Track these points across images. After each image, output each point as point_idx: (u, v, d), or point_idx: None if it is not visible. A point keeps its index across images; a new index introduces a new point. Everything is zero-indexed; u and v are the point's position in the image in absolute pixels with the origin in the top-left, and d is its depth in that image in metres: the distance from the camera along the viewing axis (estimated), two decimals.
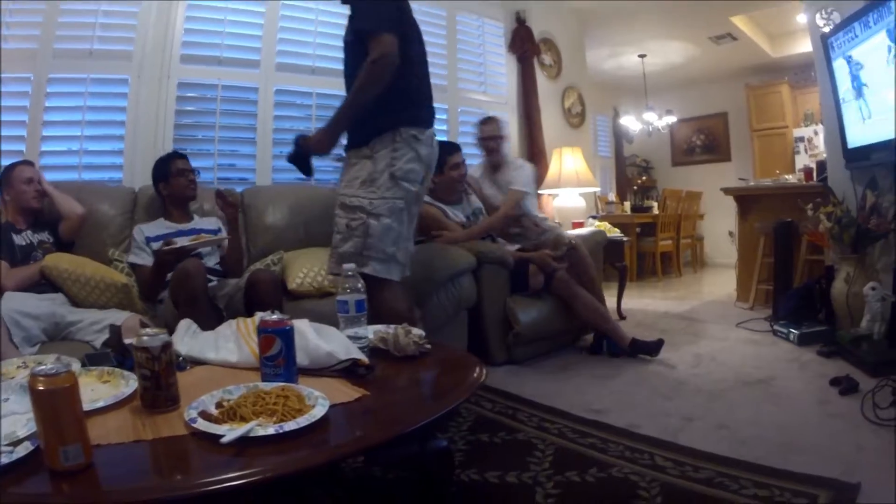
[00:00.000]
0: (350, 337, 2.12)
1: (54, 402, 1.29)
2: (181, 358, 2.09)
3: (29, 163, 3.60)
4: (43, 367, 1.31)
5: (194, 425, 1.47)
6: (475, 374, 2.00)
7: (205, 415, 1.54)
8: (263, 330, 1.82)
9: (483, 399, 3.43)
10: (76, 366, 1.97)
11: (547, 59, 7.27)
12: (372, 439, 1.57)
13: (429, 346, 2.23)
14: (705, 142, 11.39)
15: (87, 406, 1.52)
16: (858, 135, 4.45)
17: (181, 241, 3.34)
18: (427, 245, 4.09)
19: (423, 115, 3.12)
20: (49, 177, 3.70)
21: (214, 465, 1.36)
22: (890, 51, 3.86)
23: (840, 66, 4.57)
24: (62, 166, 4.19)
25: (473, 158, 5.21)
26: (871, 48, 4.13)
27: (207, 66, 4.67)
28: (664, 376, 3.88)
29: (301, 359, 1.91)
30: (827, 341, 4.28)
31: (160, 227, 3.70)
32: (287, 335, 1.83)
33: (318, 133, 3.04)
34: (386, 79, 2.86)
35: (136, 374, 1.68)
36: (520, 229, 4.85)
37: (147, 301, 3.42)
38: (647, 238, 8.78)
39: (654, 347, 4.25)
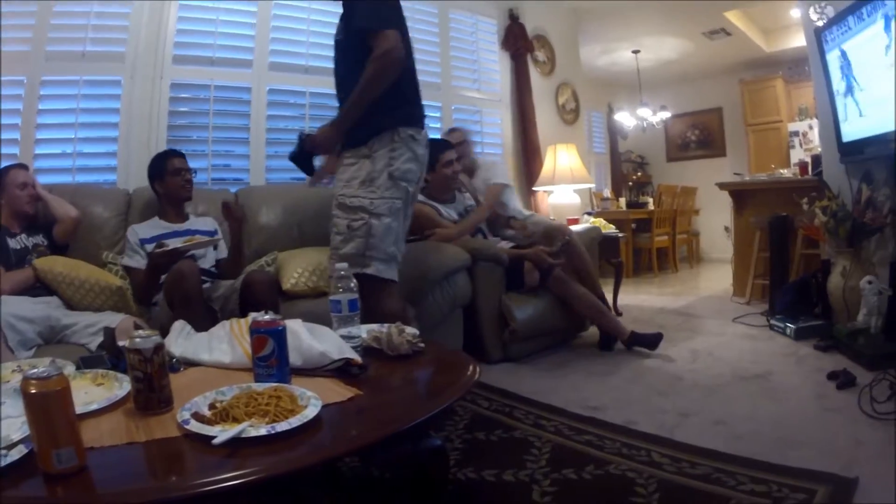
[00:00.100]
0: (343, 336, 2.12)
1: (46, 405, 1.29)
2: (175, 359, 2.09)
3: (23, 166, 3.59)
4: (35, 370, 1.31)
5: (187, 427, 1.47)
6: (469, 373, 1.99)
7: (197, 416, 1.53)
8: (255, 330, 1.82)
9: (479, 397, 3.43)
10: (70, 369, 1.97)
11: (540, 55, 7.26)
12: (364, 439, 1.57)
13: (422, 344, 2.23)
14: (700, 137, 11.39)
15: (80, 409, 1.52)
16: (853, 129, 4.45)
17: (173, 243, 3.33)
18: (421, 243, 4.08)
19: (417, 114, 3.11)
20: (43, 179, 3.70)
21: (207, 466, 1.36)
22: (887, 44, 3.84)
23: (833, 59, 4.57)
24: (56, 169, 4.18)
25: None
26: (864, 41, 4.12)
27: (200, 67, 4.66)
28: (661, 372, 3.88)
29: (294, 359, 1.91)
30: (824, 335, 4.28)
31: (154, 227, 3.67)
32: (279, 335, 1.82)
33: (324, 130, 3.00)
34: (392, 76, 2.87)
35: (129, 376, 1.67)
36: (512, 231, 4.85)
37: (141, 304, 3.40)
38: (643, 234, 8.79)
39: (652, 340, 4.26)
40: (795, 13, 7.10)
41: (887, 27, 3.82)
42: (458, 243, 4.18)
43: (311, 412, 1.54)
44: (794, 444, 2.62)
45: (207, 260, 3.69)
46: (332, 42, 3.15)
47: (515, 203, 5.09)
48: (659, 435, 2.79)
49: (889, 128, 3.88)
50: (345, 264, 2.30)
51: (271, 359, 1.80)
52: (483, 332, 4.25)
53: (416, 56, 3.14)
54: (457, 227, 4.40)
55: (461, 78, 6.43)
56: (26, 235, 3.45)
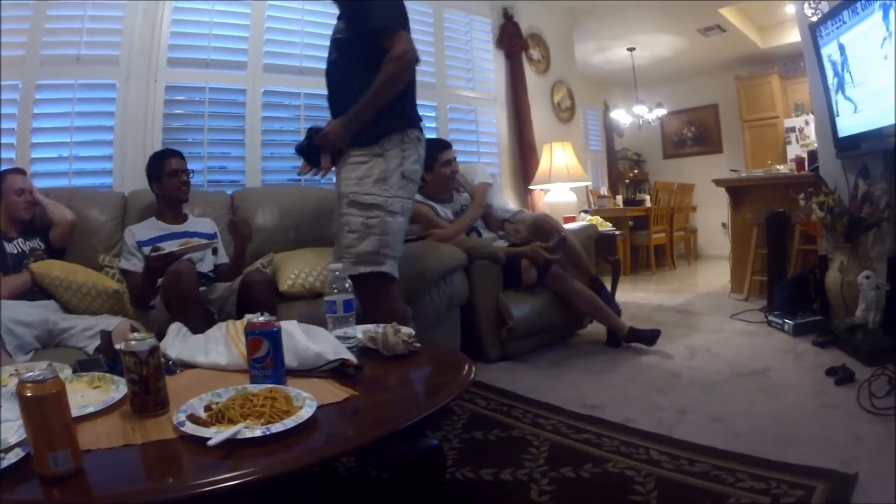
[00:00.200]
0: (339, 337, 2.11)
1: (42, 408, 1.29)
2: (171, 362, 2.09)
3: (21, 171, 3.58)
4: (31, 373, 1.31)
5: (182, 429, 1.48)
6: (465, 373, 1.99)
7: (193, 418, 1.54)
8: (251, 332, 1.82)
9: (477, 396, 3.44)
10: (67, 372, 1.97)
11: (535, 54, 7.26)
12: (360, 439, 1.56)
13: (418, 344, 2.23)
14: (696, 134, 11.39)
15: (76, 412, 1.52)
16: (849, 123, 4.45)
17: (170, 245, 3.32)
18: (418, 243, 4.07)
19: (418, 115, 3.13)
20: (39, 184, 3.68)
21: (203, 467, 1.36)
22: (885, 36, 3.82)
23: (828, 54, 4.57)
24: (52, 173, 4.17)
25: (464, 156, 5.20)
26: (860, 34, 4.12)
27: (195, 69, 4.65)
28: (659, 369, 3.88)
29: (290, 360, 1.91)
30: (822, 331, 4.28)
31: (152, 229, 3.65)
32: (274, 337, 1.82)
33: (335, 126, 2.95)
34: (408, 77, 2.93)
35: (125, 378, 1.67)
36: (503, 232, 4.85)
37: (138, 308, 3.40)
38: (640, 231, 8.79)
39: (650, 337, 4.27)
40: (790, 9, 7.10)
41: (885, 17, 3.80)
42: (455, 242, 4.18)
43: (306, 413, 1.54)
44: (793, 440, 2.62)
45: (206, 264, 3.67)
46: (326, 43, 3.16)
47: (499, 201, 5.09)
48: (657, 433, 2.79)
49: (885, 122, 3.88)
50: (339, 265, 2.29)
51: (267, 360, 1.80)
52: (481, 331, 4.25)
53: None
54: (453, 227, 4.40)
55: (456, 77, 6.42)
56: (23, 239, 3.44)
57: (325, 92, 3.20)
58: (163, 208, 3.76)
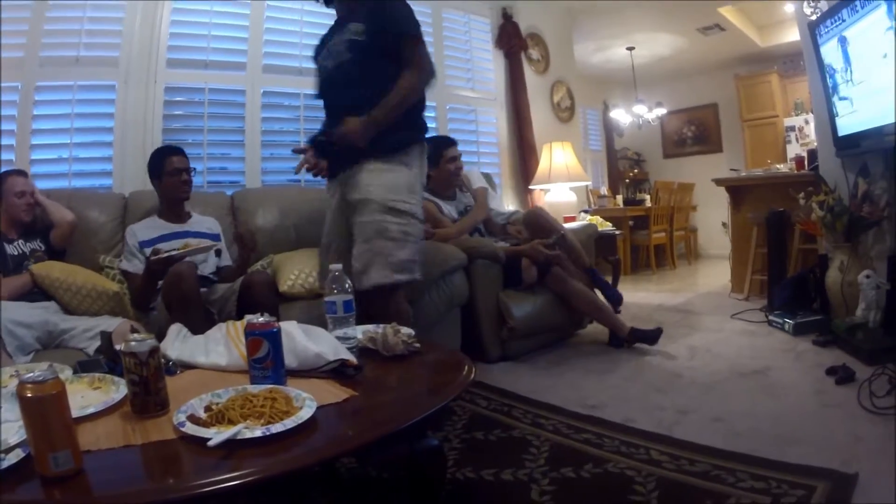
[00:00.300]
0: (339, 337, 2.11)
1: (42, 409, 1.29)
2: (171, 362, 2.09)
3: (21, 172, 3.57)
4: (31, 374, 1.32)
5: (183, 429, 1.48)
6: (465, 373, 2.00)
7: (193, 418, 1.54)
8: (250, 332, 1.82)
9: (478, 396, 3.44)
10: (67, 373, 1.97)
11: (534, 53, 7.26)
12: (360, 439, 1.57)
13: (418, 345, 2.23)
14: (696, 133, 11.39)
15: (77, 412, 1.53)
16: (848, 122, 4.45)
17: (172, 245, 3.32)
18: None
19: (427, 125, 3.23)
20: (39, 185, 3.67)
21: (204, 467, 1.36)
22: (888, 26, 3.80)
23: (827, 53, 4.57)
24: (52, 174, 4.17)
25: (464, 156, 5.19)
26: (859, 33, 4.11)
27: (194, 70, 4.66)
28: (659, 369, 3.88)
29: (290, 360, 1.91)
30: (822, 330, 4.28)
31: (153, 228, 3.62)
32: (274, 337, 1.82)
33: (357, 126, 2.90)
34: (430, 85, 3.01)
35: (126, 379, 1.67)
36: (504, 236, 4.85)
37: (139, 309, 3.39)
38: (641, 231, 8.79)
39: (653, 336, 4.26)
40: (789, 8, 7.10)
41: (889, 11, 3.76)
42: (455, 242, 4.18)
43: (306, 413, 1.54)
44: (793, 440, 2.62)
45: (208, 265, 3.65)
46: None
47: (495, 204, 5.11)
48: (658, 432, 2.79)
49: (884, 120, 3.88)
50: (339, 265, 2.29)
51: (266, 361, 1.80)
52: (481, 331, 4.24)
53: None
54: (455, 227, 4.41)
55: (455, 77, 6.43)
56: (23, 241, 3.44)
57: None
58: (164, 206, 3.74)
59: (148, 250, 3.37)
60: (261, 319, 1.84)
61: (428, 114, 5.61)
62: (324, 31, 3.32)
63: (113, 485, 1.35)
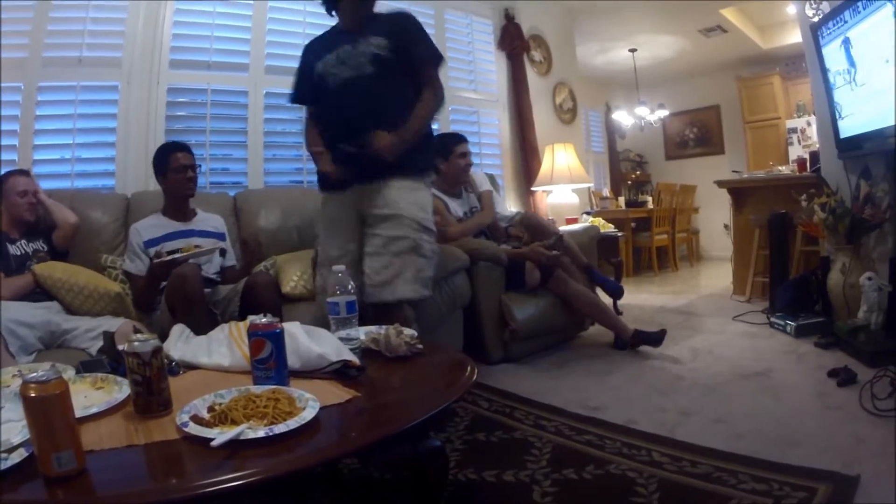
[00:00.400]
0: (341, 338, 2.12)
1: (46, 409, 1.29)
2: (174, 363, 2.09)
3: (24, 172, 3.58)
4: (34, 374, 1.32)
5: (186, 429, 1.48)
6: (467, 374, 2.00)
7: (196, 419, 1.54)
8: (253, 333, 1.82)
9: (480, 398, 3.44)
10: (70, 373, 1.97)
11: (537, 55, 7.25)
12: (362, 440, 1.57)
13: (420, 346, 2.23)
14: (698, 135, 11.39)
15: (80, 412, 1.53)
16: (850, 124, 4.44)
17: (175, 244, 3.33)
18: None
19: None
20: (42, 185, 3.67)
21: (206, 468, 1.37)
22: (890, 37, 3.80)
23: (830, 55, 4.56)
24: (54, 174, 4.16)
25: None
26: (860, 34, 4.11)
27: (197, 71, 4.66)
28: (661, 371, 3.88)
29: (292, 361, 1.91)
30: (824, 332, 4.28)
31: (157, 226, 3.58)
32: (277, 338, 1.83)
33: (391, 141, 2.96)
34: (442, 107, 3.19)
35: (128, 379, 1.68)
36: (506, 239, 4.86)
37: (141, 310, 3.37)
38: (643, 233, 8.78)
39: (657, 337, 4.26)
40: (791, 9, 7.08)
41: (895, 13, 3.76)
42: (458, 244, 4.18)
43: (308, 414, 1.55)
44: (795, 442, 2.62)
45: (212, 266, 3.63)
46: None
47: (499, 206, 5.12)
48: (659, 434, 2.79)
49: (886, 122, 3.87)
50: (342, 266, 2.29)
51: (269, 361, 1.81)
52: (483, 333, 4.25)
53: None
54: (459, 227, 4.41)
55: (457, 79, 6.42)
56: (26, 241, 3.44)
57: None
58: (169, 203, 3.69)
59: (152, 251, 3.37)
60: (264, 320, 1.84)
61: None
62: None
63: (116, 485, 1.36)
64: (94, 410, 1.66)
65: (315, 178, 3.41)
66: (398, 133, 2.96)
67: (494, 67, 6.80)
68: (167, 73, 4.49)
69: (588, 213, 6.68)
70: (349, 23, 3.21)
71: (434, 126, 3.32)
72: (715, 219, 10.01)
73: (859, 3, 4.02)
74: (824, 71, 4.68)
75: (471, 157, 4.60)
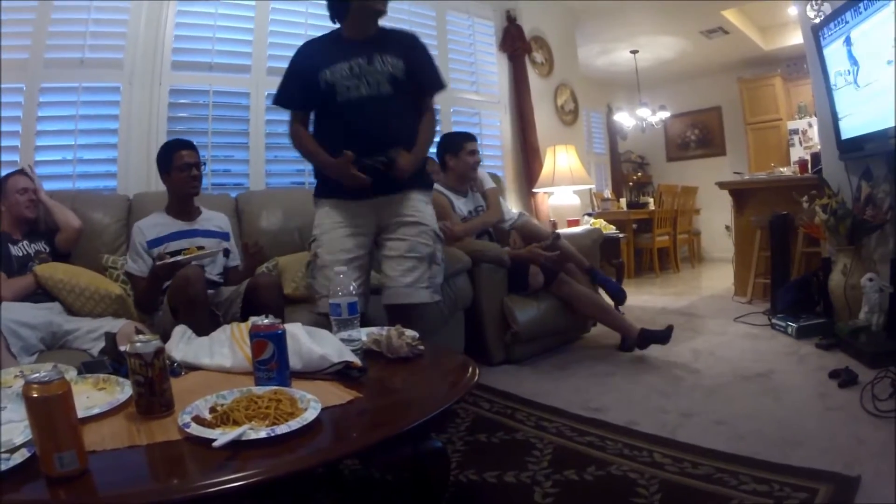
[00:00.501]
0: (343, 340, 2.12)
1: (48, 409, 1.30)
2: (175, 364, 2.09)
3: (24, 172, 3.60)
4: (37, 374, 1.32)
5: (188, 430, 1.48)
6: (468, 375, 2.00)
7: (198, 419, 1.54)
8: (255, 334, 1.82)
9: (481, 399, 3.44)
10: (72, 373, 1.98)
11: (538, 56, 7.25)
12: (364, 441, 1.58)
13: (422, 347, 2.23)
14: (700, 136, 11.39)
15: (82, 413, 1.53)
16: (852, 125, 4.44)
17: (179, 245, 3.33)
18: None
19: None
20: (43, 186, 3.68)
21: (208, 468, 1.37)
22: (891, 39, 3.81)
23: (831, 56, 4.57)
24: (56, 175, 4.16)
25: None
26: (861, 35, 4.12)
27: (199, 72, 4.66)
28: (662, 373, 3.88)
29: (294, 362, 1.91)
30: (825, 334, 4.28)
31: (161, 226, 3.52)
32: (279, 339, 1.83)
33: (411, 161, 3.08)
34: None
35: (131, 380, 1.68)
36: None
37: (142, 311, 3.37)
38: (644, 234, 8.78)
39: (663, 336, 4.24)
40: (793, 11, 7.08)
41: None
42: (460, 245, 4.18)
43: (310, 415, 1.55)
44: (796, 443, 2.62)
45: (215, 266, 3.59)
46: None
47: (504, 207, 5.12)
48: (661, 435, 2.79)
49: (888, 123, 3.87)
50: (344, 268, 2.30)
51: (271, 362, 1.81)
52: (485, 334, 4.25)
53: None
54: (463, 227, 4.40)
55: (459, 80, 6.42)
56: (28, 242, 3.45)
57: None
58: (173, 201, 3.63)
59: (155, 251, 3.35)
60: (266, 321, 1.84)
61: None
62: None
63: (118, 485, 1.36)
64: (96, 411, 1.66)
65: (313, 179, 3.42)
66: (414, 152, 3.10)
67: (496, 69, 6.80)
68: (169, 75, 4.49)
69: (590, 215, 6.68)
70: (358, 34, 3.16)
71: (437, 107, 3.52)
72: (716, 220, 10.02)
73: (861, 4, 4.02)
74: (825, 72, 4.69)
75: (479, 156, 4.60)
